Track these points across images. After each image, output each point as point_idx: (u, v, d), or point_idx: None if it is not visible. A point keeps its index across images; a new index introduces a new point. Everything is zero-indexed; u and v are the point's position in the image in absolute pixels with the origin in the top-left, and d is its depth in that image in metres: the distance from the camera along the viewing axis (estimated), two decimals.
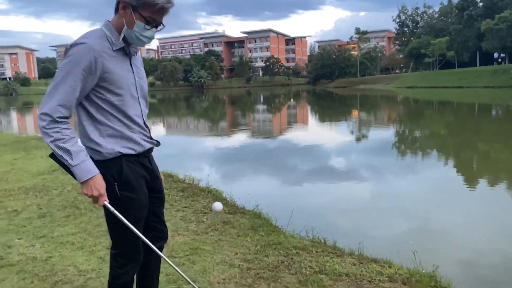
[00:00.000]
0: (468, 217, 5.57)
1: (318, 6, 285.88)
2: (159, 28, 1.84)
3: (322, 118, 24.03)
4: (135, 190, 1.87)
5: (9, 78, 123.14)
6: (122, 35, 1.80)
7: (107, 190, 1.78)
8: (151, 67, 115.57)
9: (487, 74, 50.90)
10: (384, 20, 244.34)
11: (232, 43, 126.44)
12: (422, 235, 4.70)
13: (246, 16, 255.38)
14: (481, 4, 66.21)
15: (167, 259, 2.01)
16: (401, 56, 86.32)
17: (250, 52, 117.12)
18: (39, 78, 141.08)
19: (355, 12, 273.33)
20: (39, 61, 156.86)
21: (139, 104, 1.91)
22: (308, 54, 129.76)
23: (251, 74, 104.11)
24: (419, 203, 6.15)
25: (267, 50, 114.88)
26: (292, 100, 46.10)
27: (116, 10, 1.82)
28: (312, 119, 23.83)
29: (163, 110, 34.16)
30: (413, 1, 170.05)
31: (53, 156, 1.75)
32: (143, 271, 2.12)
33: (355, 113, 25.93)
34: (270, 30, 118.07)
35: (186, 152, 11.65)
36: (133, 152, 1.86)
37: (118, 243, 1.94)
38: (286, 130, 18.07)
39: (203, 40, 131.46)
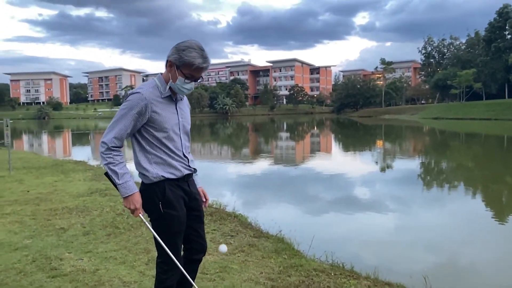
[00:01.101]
0: (481, 249, 5.71)
1: (344, 36, 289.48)
2: (198, 81, 2.31)
3: (346, 147, 24.19)
4: (175, 208, 2.27)
5: (43, 103, 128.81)
6: (168, 86, 2.29)
7: (153, 208, 2.24)
8: None
9: None
10: (410, 51, 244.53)
11: (257, 72, 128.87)
12: (436, 265, 4.90)
13: (271, 45, 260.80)
14: (509, 36, 65.74)
15: (182, 269, 2.31)
16: (427, 86, 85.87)
17: (275, 80, 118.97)
18: (70, 102, 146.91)
19: (380, 43, 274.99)
20: (71, 86, 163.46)
21: (180, 139, 2.36)
22: (333, 83, 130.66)
23: (275, 102, 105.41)
24: (441, 235, 6.32)
25: (292, 79, 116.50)
26: (315, 128, 46.43)
27: (166, 64, 2.30)
28: (336, 148, 24.04)
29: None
30: (439, 32, 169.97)
31: (106, 174, 2.23)
32: (181, 279, 2.43)
33: (380, 143, 26.00)
34: (295, 60, 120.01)
35: (211, 177, 12.10)
36: (173, 177, 2.28)
37: (162, 252, 2.30)
38: (309, 158, 18.35)
39: (229, 68, 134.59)
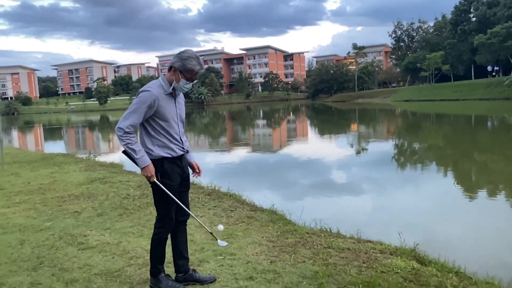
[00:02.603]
0: (447, 212, 6.54)
1: (315, 22, 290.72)
2: (194, 82, 3.00)
3: (323, 132, 25.06)
4: (170, 179, 2.98)
5: (11, 98, 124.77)
6: (172, 86, 2.96)
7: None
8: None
9: (481, 87, 52.16)
10: (380, 35, 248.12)
11: (231, 60, 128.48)
12: (409, 225, 5.65)
13: (244, 32, 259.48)
14: (474, 19, 67.99)
15: (192, 215, 3.17)
16: (398, 70, 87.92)
17: (249, 68, 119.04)
18: (40, 97, 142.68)
19: (352, 27, 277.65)
20: (40, 80, 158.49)
21: (178, 126, 3.06)
22: (306, 69, 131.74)
23: (250, 90, 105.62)
24: (412, 204, 7.13)
25: (266, 66, 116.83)
26: (292, 114, 47.27)
27: (169, 69, 2.97)
28: (313, 133, 24.86)
29: None
30: (409, 16, 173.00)
31: (124, 152, 2.91)
32: (174, 239, 3.20)
33: (354, 126, 27.00)
34: (268, 47, 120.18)
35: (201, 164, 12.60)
36: (170, 156, 2.98)
37: (159, 212, 3.06)
38: (289, 143, 19.07)
39: (202, 57, 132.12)
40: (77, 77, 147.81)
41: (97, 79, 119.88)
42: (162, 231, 3.06)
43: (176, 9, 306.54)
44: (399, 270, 3.34)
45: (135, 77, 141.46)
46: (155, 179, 2.91)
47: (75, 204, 5.80)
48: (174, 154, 3.00)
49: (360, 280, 3.11)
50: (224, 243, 3.41)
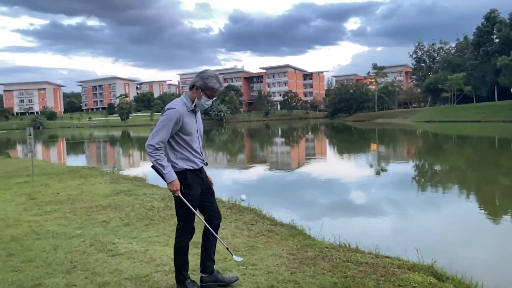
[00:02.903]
0: (465, 232, 6.53)
1: (336, 41, 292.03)
2: (213, 99, 3.27)
3: (342, 151, 25.04)
4: (192, 189, 3.20)
5: (37, 112, 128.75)
6: (194, 103, 3.21)
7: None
8: None
9: (505, 109, 51.35)
10: (401, 55, 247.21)
11: (251, 78, 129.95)
12: (427, 244, 5.69)
13: (264, 52, 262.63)
14: (497, 40, 67.32)
15: (214, 233, 3.36)
16: (418, 90, 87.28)
17: (269, 86, 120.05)
18: (64, 112, 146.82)
19: (372, 47, 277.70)
20: (65, 95, 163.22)
21: (199, 140, 3.31)
22: (326, 88, 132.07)
23: (269, 108, 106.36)
24: (430, 223, 7.15)
25: (285, 85, 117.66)
26: (310, 133, 47.32)
27: (191, 88, 3.23)
28: (332, 152, 24.87)
29: None
30: (430, 37, 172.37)
31: (153, 167, 3.13)
32: (205, 241, 3.42)
33: (374, 146, 26.89)
34: (288, 66, 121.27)
35: (221, 180, 12.85)
36: (192, 168, 3.22)
37: (179, 221, 3.28)
38: (308, 162, 19.15)
39: (223, 75, 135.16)
40: (100, 93, 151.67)
41: (119, 96, 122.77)
42: (183, 239, 3.29)
43: (198, 29, 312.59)
44: (416, 285, 3.43)
45: (156, 94, 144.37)
46: (179, 194, 3.13)
47: (103, 214, 6.06)
48: (196, 167, 3.23)
49: None
50: (240, 259, 3.62)
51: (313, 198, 9.85)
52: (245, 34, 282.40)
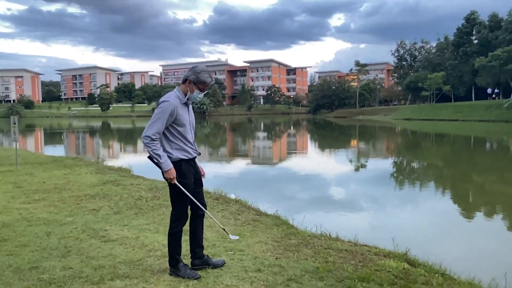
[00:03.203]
0: (438, 223, 6.93)
1: (320, 37, 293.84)
2: (205, 92, 3.50)
3: (323, 146, 25.49)
4: (186, 178, 3.42)
5: (14, 101, 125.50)
6: (187, 96, 3.42)
7: None
8: (154, 93, 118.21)
9: (481, 109, 52.78)
10: (383, 53, 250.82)
11: (234, 72, 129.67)
12: (402, 231, 6.04)
13: (248, 45, 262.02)
14: (476, 41, 69.02)
15: (208, 212, 3.63)
16: (399, 88, 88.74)
17: (252, 80, 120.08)
18: (42, 101, 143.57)
19: (355, 44, 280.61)
20: (43, 84, 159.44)
21: (191, 132, 3.51)
22: (309, 84, 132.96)
23: (252, 102, 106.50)
24: (406, 214, 7.53)
25: (269, 79, 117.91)
26: (293, 128, 47.77)
27: (184, 81, 3.43)
28: (313, 147, 25.30)
29: None
30: (412, 36, 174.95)
31: (150, 157, 3.32)
32: (193, 229, 3.66)
33: (354, 142, 27.45)
34: (272, 60, 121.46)
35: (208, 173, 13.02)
36: (187, 158, 3.42)
37: (174, 208, 3.48)
38: (291, 156, 19.49)
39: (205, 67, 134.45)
40: (80, 83, 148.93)
41: (100, 86, 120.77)
42: (177, 225, 3.49)
43: (182, 19, 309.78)
44: (391, 269, 3.74)
45: (138, 85, 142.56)
46: (176, 181, 3.34)
47: (92, 203, 6.20)
48: (190, 156, 3.45)
49: (356, 276, 3.51)
50: (236, 237, 3.90)
51: (295, 192, 10.16)
52: (230, 26, 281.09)
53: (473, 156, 19.29)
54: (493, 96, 63.56)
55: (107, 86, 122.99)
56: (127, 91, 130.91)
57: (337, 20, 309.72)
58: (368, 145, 26.12)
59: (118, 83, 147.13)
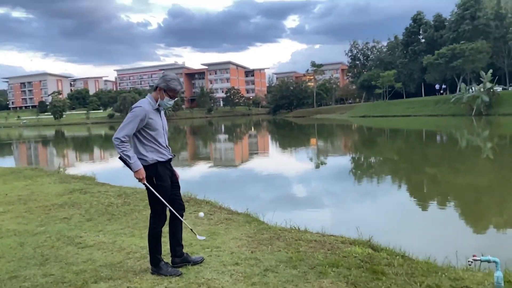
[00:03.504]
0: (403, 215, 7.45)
1: (275, 39, 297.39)
2: (175, 99, 3.68)
3: (284, 146, 26.03)
4: (163, 180, 3.58)
5: None
6: (157, 103, 3.61)
7: (150, 181, 3.57)
8: (109, 98, 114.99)
9: (431, 104, 55.72)
10: (338, 53, 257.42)
11: (192, 75, 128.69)
12: (366, 222, 6.47)
13: (205, 48, 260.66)
14: (423, 40, 72.67)
15: (182, 219, 3.76)
16: (354, 87, 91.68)
17: (211, 83, 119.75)
18: None
19: (310, 45, 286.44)
20: None
21: (164, 135, 3.70)
22: (267, 85, 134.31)
23: (212, 105, 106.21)
24: (367, 206, 8.01)
25: (227, 82, 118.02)
26: (253, 129, 48.22)
27: (155, 89, 3.63)
28: (274, 147, 25.77)
29: None
30: (364, 36, 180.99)
31: (120, 158, 3.45)
32: (172, 229, 3.83)
33: (314, 141, 28.21)
34: (229, 62, 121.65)
35: None
36: (162, 160, 3.59)
37: (153, 209, 3.65)
38: (254, 156, 19.80)
39: (163, 71, 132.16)
40: (29, 90, 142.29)
41: (52, 93, 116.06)
42: (157, 226, 3.66)
43: (135, 23, 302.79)
44: (357, 255, 4.08)
45: (92, 91, 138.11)
46: (145, 182, 3.51)
47: (62, 211, 6.17)
48: (165, 158, 3.62)
49: (326, 263, 3.82)
50: (203, 237, 4.06)
51: (261, 191, 10.45)
52: (185, 29, 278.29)
53: (425, 149, 20.44)
54: (441, 91, 67.25)
55: (59, 93, 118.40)
56: (81, 98, 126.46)
57: (292, 21, 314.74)
58: (327, 142, 26.95)
59: (71, 90, 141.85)
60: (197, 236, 3.94)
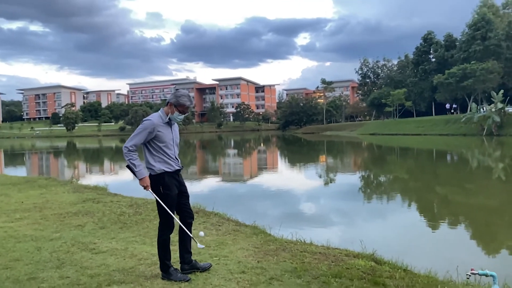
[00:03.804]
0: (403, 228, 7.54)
1: (286, 56, 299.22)
2: (186, 114, 3.92)
3: (294, 162, 26.15)
4: (170, 190, 3.78)
5: None
6: (168, 117, 3.84)
7: (157, 190, 3.80)
8: (121, 111, 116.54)
9: (441, 123, 55.50)
10: (348, 70, 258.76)
11: (203, 90, 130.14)
12: (371, 238, 6.58)
13: (216, 63, 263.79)
14: (433, 60, 72.81)
15: (185, 228, 3.92)
16: (364, 104, 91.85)
17: (221, 98, 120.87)
18: (3, 121, 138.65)
19: (321, 62, 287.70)
20: (4, 104, 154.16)
21: (174, 148, 3.90)
22: (277, 101, 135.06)
23: (222, 119, 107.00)
24: (373, 224, 8.10)
25: (238, 97, 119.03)
26: (263, 144, 48.43)
27: (166, 104, 3.87)
28: (284, 162, 25.90)
29: None
30: (374, 54, 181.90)
31: (128, 166, 3.70)
32: (182, 236, 4.00)
33: (323, 158, 28.29)
34: (240, 78, 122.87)
35: None
36: (170, 170, 3.79)
37: (161, 218, 3.85)
38: (262, 172, 19.96)
39: (174, 86, 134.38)
40: (44, 102, 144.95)
41: (65, 105, 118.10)
42: (165, 233, 3.87)
43: (149, 38, 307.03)
44: (360, 267, 4.21)
45: (104, 104, 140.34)
46: (150, 189, 3.76)
47: (76, 219, 6.39)
48: (172, 169, 3.82)
49: (330, 273, 3.96)
50: (202, 246, 4.08)
51: (269, 206, 10.58)
52: (197, 45, 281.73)
53: (435, 168, 20.41)
54: (452, 111, 66.97)
55: (72, 105, 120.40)
56: (93, 110, 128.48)
57: (303, 39, 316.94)
58: (336, 159, 27.01)
59: (84, 102, 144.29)
60: (198, 244, 4.03)
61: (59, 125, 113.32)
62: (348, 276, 3.91)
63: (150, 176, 3.80)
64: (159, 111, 3.92)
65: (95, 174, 19.61)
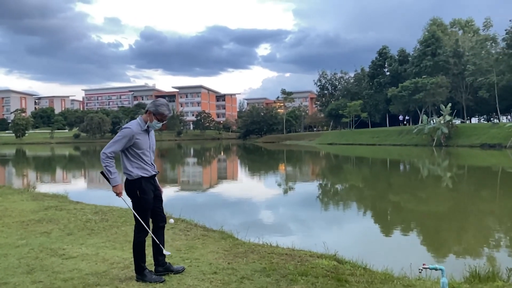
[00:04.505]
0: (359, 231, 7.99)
1: (247, 65, 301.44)
2: (163, 122, 4.06)
3: (253, 171, 26.49)
4: (146, 194, 3.95)
5: None
6: (146, 125, 4.01)
7: (134, 195, 3.98)
8: (76, 118, 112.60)
9: (394, 134, 58.12)
10: (307, 81, 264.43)
11: (163, 97, 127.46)
12: (333, 240, 6.95)
13: (176, 71, 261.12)
14: (388, 73, 76.18)
15: (152, 235, 4.11)
16: (322, 115, 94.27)
17: (181, 106, 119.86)
18: None
19: (281, 73, 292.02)
20: None
21: (150, 154, 4.12)
22: (238, 110, 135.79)
23: (182, 128, 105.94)
24: (336, 228, 8.51)
25: (198, 105, 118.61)
26: (223, 153, 48.53)
27: (145, 112, 4.04)
28: (245, 172, 26.18)
29: (87, 163, 34.47)
30: (332, 66, 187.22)
31: (102, 173, 3.86)
32: (156, 240, 4.13)
33: (282, 166, 28.85)
34: (201, 87, 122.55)
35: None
36: (146, 175, 3.97)
37: (137, 221, 3.99)
38: (223, 181, 20.11)
39: (132, 93, 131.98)
40: None
41: (15, 110, 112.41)
42: (140, 235, 4.02)
43: (106, 43, 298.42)
44: (324, 266, 4.52)
45: (58, 110, 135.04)
46: (122, 197, 3.94)
47: (40, 226, 6.30)
48: (149, 174, 4.01)
49: (296, 272, 4.24)
50: (168, 253, 4.20)
51: (232, 214, 10.79)
52: (157, 52, 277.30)
53: (389, 177, 21.43)
54: (404, 122, 70.22)
55: (22, 111, 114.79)
56: (45, 117, 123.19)
57: (263, 49, 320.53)
58: (295, 168, 27.63)
59: (35, 108, 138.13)
60: (164, 251, 4.12)
61: (7, 131, 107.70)
62: (313, 274, 4.20)
63: (128, 181, 3.94)
64: (137, 118, 4.08)
65: (51, 183, 18.94)
